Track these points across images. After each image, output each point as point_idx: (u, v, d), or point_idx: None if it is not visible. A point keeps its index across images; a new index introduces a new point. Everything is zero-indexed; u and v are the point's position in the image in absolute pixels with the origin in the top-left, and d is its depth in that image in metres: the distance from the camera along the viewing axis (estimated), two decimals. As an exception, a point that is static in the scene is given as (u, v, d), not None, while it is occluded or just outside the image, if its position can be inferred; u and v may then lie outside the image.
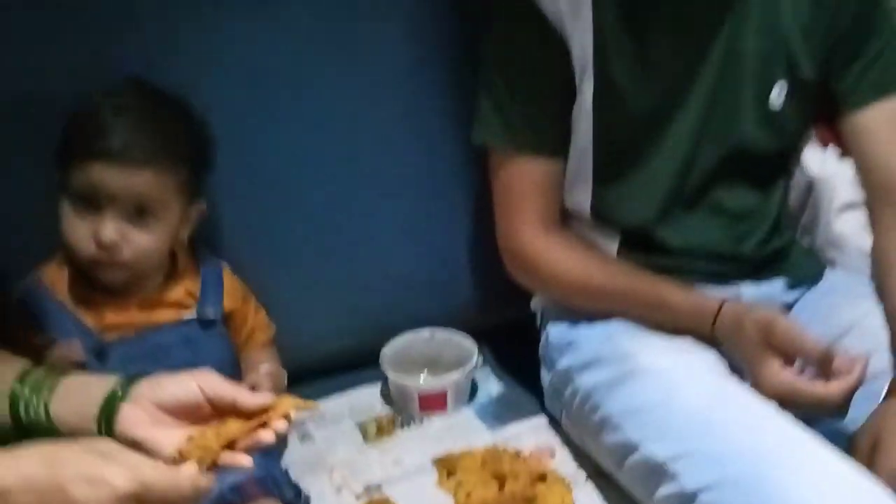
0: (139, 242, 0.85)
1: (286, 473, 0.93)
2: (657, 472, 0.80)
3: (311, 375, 1.06)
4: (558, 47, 0.91)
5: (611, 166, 0.96)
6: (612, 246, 0.99)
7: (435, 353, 1.10)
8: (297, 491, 0.90)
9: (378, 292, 1.12)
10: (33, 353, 0.81)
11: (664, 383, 0.85)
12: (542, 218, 0.97)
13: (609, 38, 0.90)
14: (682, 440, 0.80)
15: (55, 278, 0.88)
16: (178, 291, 0.92)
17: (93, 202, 0.83)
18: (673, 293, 0.92)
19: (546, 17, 0.90)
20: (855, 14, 0.93)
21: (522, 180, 0.97)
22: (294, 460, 0.97)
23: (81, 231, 0.83)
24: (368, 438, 1.03)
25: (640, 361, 0.88)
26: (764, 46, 0.92)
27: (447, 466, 0.96)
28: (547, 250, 0.97)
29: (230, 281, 0.97)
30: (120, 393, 0.69)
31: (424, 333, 1.11)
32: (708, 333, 0.90)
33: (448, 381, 1.05)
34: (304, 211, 1.07)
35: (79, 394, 0.71)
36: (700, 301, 0.91)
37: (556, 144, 0.96)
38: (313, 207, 1.07)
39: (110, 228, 0.82)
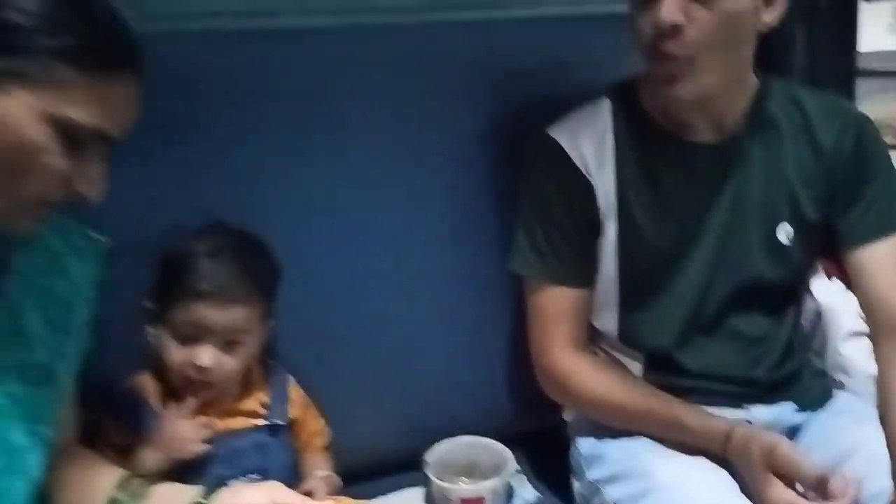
0: (229, 366, 0.99)
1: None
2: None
3: (358, 478, 1.15)
4: (585, 193, 1.05)
5: (635, 295, 1.08)
6: (637, 367, 1.10)
7: (474, 459, 1.20)
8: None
9: (422, 401, 1.23)
10: (115, 449, 0.96)
11: (681, 498, 0.94)
12: (572, 339, 1.09)
13: (630, 187, 1.05)
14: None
15: (148, 388, 1.02)
16: (251, 402, 1.05)
17: (192, 334, 0.97)
18: (688, 416, 1.03)
19: (575, 168, 1.05)
20: (852, 162, 1.05)
21: (554, 306, 1.09)
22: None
23: (180, 357, 0.97)
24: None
25: (660, 477, 0.98)
26: (768, 193, 1.05)
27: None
28: (575, 370, 1.08)
29: (295, 391, 1.09)
30: (203, 501, 0.81)
31: (464, 440, 1.21)
32: (720, 454, 0.99)
33: (486, 487, 1.14)
34: (354, 328, 1.20)
35: (168, 501, 0.84)
36: (712, 424, 1.01)
37: (584, 276, 1.09)
38: (362, 324, 1.20)
39: (207, 357, 0.96)
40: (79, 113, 0.69)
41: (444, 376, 1.24)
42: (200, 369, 0.97)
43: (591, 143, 1.05)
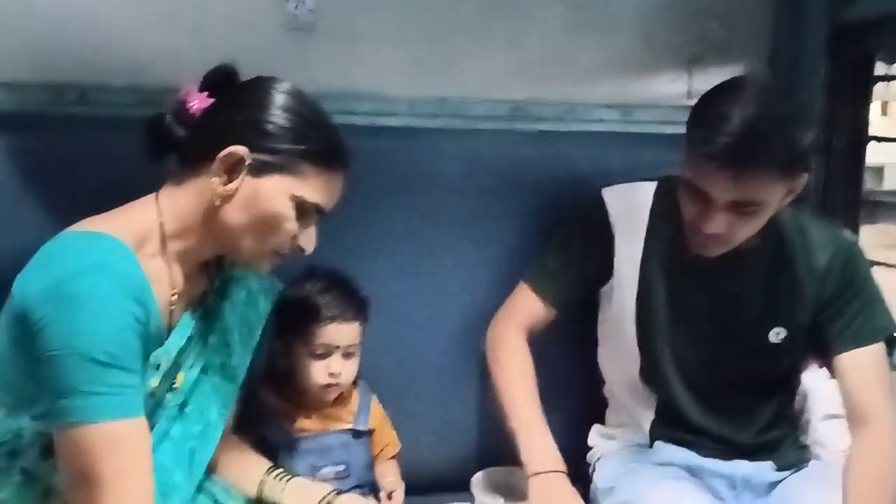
0: (350, 371, 1.32)
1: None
2: None
3: (413, 491, 1.41)
4: (606, 244, 1.33)
5: (650, 344, 1.34)
6: (649, 416, 1.37)
7: (514, 485, 1.40)
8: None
9: (475, 431, 1.52)
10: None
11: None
12: (523, 329, 1.38)
13: (653, 255, 1.32)
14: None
15: (264, 396, 1.33)
16: (342, 411, 1.36)
17: (323, 351, 1.29)
18: (522, 437, 1.28)
19: (607, 222, 1.33)
20: (840, 282, 1.30)
21: (529, 309, 1.38)
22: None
23: (317, 370, 1.29)
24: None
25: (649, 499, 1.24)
26: (766, 300, 1.31)
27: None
28: (507, 339, 1.37)
29: (375, 406, 1.40)
30: (330, 499, 1.15)
31: (508, 469, 1.42)
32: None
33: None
34: (427, 364, 1.50)
35: (304, 491, 1.18)
36: (541, 455, 1.26)
37: (565, 304, 1.38)
38: (434, 360, 1.50)
39: (338, 365, 1.29)
40: (311, 195, 1.03)
41: (496, 413, 1.46)
42: (334, 375, 1.28)
43: (629, 209, 1.32)
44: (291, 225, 1.02)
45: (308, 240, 1.06)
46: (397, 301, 1.47)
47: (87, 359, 0.87)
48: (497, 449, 1.44)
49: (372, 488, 1.38)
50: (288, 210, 1.02)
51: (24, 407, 0.95)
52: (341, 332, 1.28)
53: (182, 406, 1.07)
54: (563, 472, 1.25)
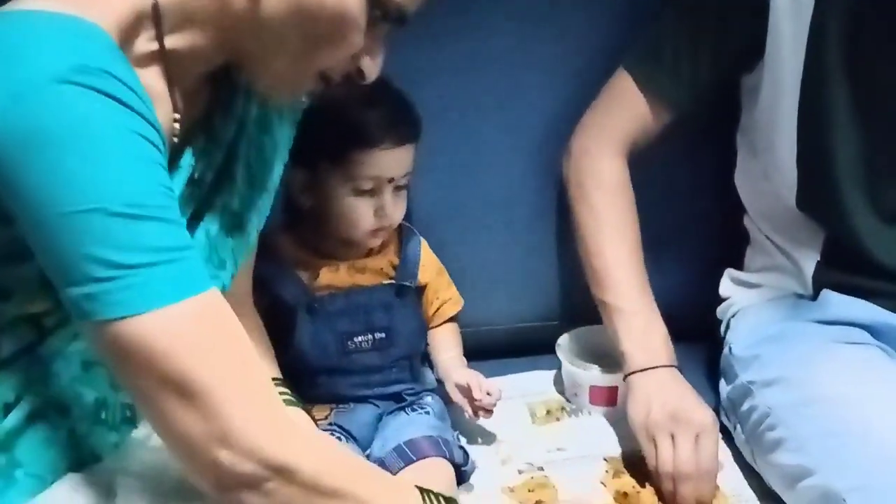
0: (401, 210, 0.99)
1: (457, 437, 1.00)
2: (831, 501, 0.79)
3: (489, 354, 1.12)
4: (755, 17, 0.92)
5: (813, 159, 0.93)
6: (811, 261, 0.97)
7: (609, 350, 1.12)
8: (466, 455, 0.97)
9: (561, 284, 1.17)
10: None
11: (853, 414, 0.83)
12: (621, 143, 1.02)
13: (824, 49, 0.89)
14: (865, 474, 0.78)
15: (277, 244, 1.00)
16: (381, 260, 1.02)
17: (369, 185, 0.94)
18: (634, 318, 0.98)
19: None
20: None
21: (633, 109, 1.02)
22: (465, 429, 1.04)
23: (363, 209, 0.95)
24: (536, 420, 1.08)
25: (831, 388, 0.86)
26: None
27: (615, 465, 0.99)
28: (600, 164, 1.02)
29: (427, 255, 1.05)
30: None
31: (601, 329, 1.13)
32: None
33: (621, 377, 1.06)
34: (498, 206, 1.15)
35: None
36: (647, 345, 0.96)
37: (687, 102, 1.01)
38: (506, 202, 1.15)
39: (390, 203, 0.96)
40: None
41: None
42: (383, 216, 0.96)
43: None
44: (356, 35, 0.66)
45: (373, 61, 0.71)
46: (452, 117, 1.10)
47: (97, 214, 0.55)
48: (587, 304, 1.11)
49: (424, 359, 1.07)
50: (358, 9, 0.64)
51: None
52: (395, 160, 0.94)
53: None
54: (675, 368, 0.96)
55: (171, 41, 0.67)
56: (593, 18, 1.12)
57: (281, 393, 0.88)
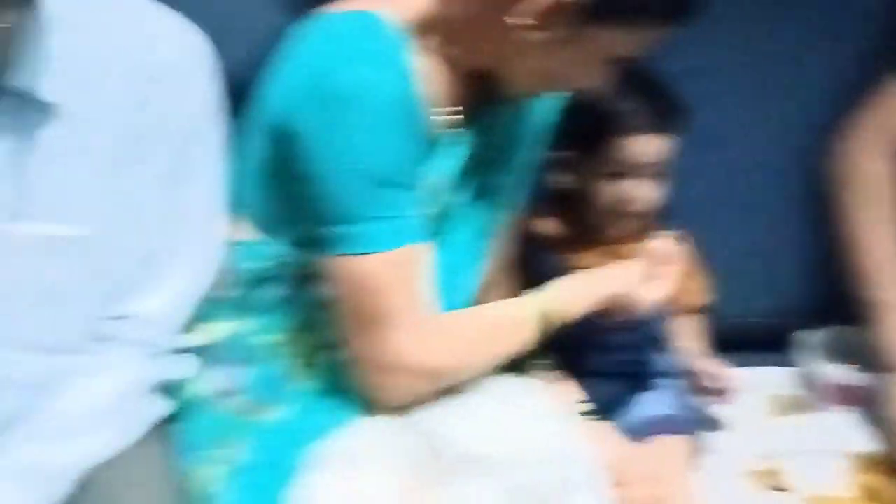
0: (654, 197, 1.03)
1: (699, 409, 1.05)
2: None
3: (732, 347, 1.15)
4: None
5: None
6: None
7: (853, 350, 1.12)
8: (712, 421, 1.01)
9: (806, 280, 1.19)
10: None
11: None
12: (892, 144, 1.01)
13: None
14: None
15: (537, 225, 1.09)
16: (636, 247, 1.06)
17: (621, 171, 1.01)
18: None
19: None
20: None
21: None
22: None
23: (618, 193, 1.02)
24: (775, 413, 1.11)
25: None
26: None
27: (861, 461, 0.99)
28: (870, 166, 1.01)
29: (680, 246, 1.10)
30: None
31: (847, 330, 1.13)
32: None
33: (864, 378, 1.07)
34: (746, 193, 1.18)
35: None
36: None
37: None
38: (757, 188, 1.18)
39: (638, 189, 1.01)
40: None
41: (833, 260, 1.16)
42: (631, 201, 1.01)
43: None
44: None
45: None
46: (712, 111, 1.12)
47: (359, 176, 0.72)
48: (832, 304, 1.14)
49: (668, 344, 1.11)
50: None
51: (280, 232, 0.83)
52: (647, 148, 1.00)
53: (435, 235, 0.88)
54: None
55: (446, 43, 0.79)
56: (853, 17, 1.13)
57: (536, 362, 0.99)
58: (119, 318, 0.80)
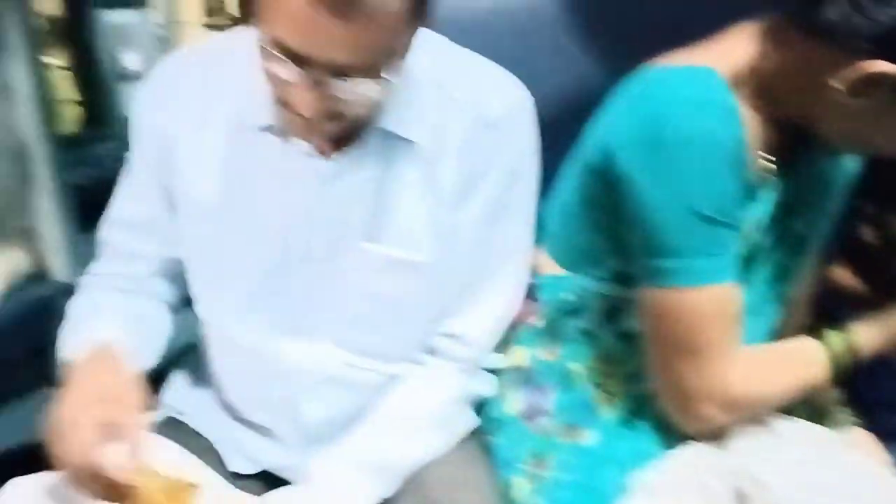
0: None
1: None
2: None
3: None
4: None
5: None
6: None
7: None
8: None
9: None
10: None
11: None
12: None
13: None
14: None
15: (841, 273, 1.07)
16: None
17: None
18: None
19: None
20: None
21: None
22: None
23: None
24: None
25: None
26: None
27: None
28: None
29: None
30: None
31: None
32: None
33: None
34: None
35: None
36: None
37: None
38: None
39: None
40: None
41: None
42: None
43: None
44: None
45: None
46: None
47: (690, 213, 0.77)
48: None
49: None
50: None
51: (588, 266, 0.90)
52: None
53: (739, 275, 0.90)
54: None
55: (757, 94, 0.82)
56: None
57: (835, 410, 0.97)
58: (445, 335, 0.90)
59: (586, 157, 0.87)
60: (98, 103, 3.99)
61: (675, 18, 0.96)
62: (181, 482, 0.74)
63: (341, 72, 0.71)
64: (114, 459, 0.71)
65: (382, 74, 0.73)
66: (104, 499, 0.73)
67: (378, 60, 0.72)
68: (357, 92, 0.72)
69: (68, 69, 3.84)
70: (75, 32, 3.93)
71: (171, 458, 0.84)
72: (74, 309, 0.90)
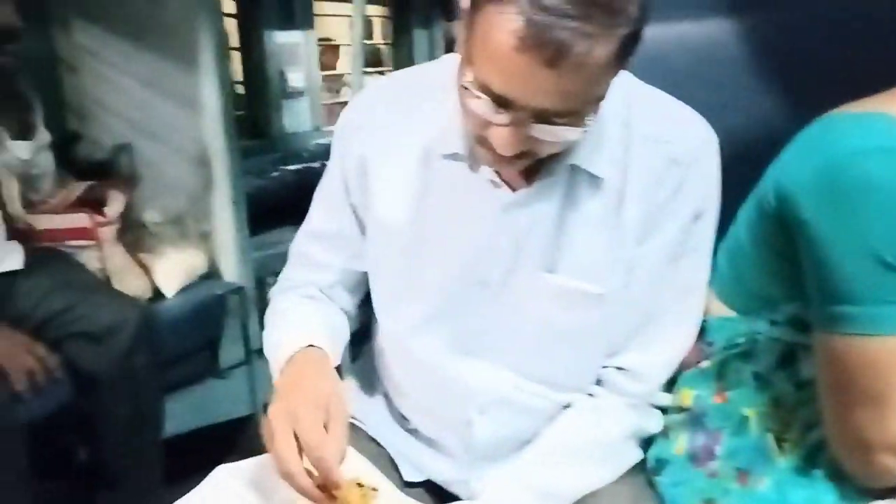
0: None
1: None
2: None
3: None
4: None
5: None
6: None
7: None
8: None
9: None
10: None
11: None
12: None
13: None
14: None
15: None
16: None
17: None
18: None
19: None
20: None
21: None
22: None
23: None
24: None
25: None
26: None
27: None
28: None
29: None
30: None
31: None
32: None
33: None
34: None
35: None
36: None
37: None
38: None
39: None
40: None
41: None
42: None
43: None
44: None
45: None
46: None
47: (873, 260, 0.75)
48: None
49: None
50: None
51: (762, 310, 0.89)
52: None
53: None
54: None
55: None
56: None
57: None
58: (618, 368, 0.91)
59: (762, 200, 0.86)
60: (263, 117, 4.29)
61: (864, 63, 0.93)
62: (367, 486, 0.79)
63: (545, 117, 0.73)
64: (335, 458, 0.77)
65: (585, 120, 0.75)
66: (308, 493, 0.78)
67: (583, 107, 0.74)
68: (558, 135, 0.75)
69: (241, 84, 4.15)
70: (247, 51, 4.25)
71: (353, 463, 0.89)
72: (277, 312, 0.98)
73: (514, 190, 0.87)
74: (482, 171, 0.87)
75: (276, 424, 0.79)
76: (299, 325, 0.93)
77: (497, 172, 0.86)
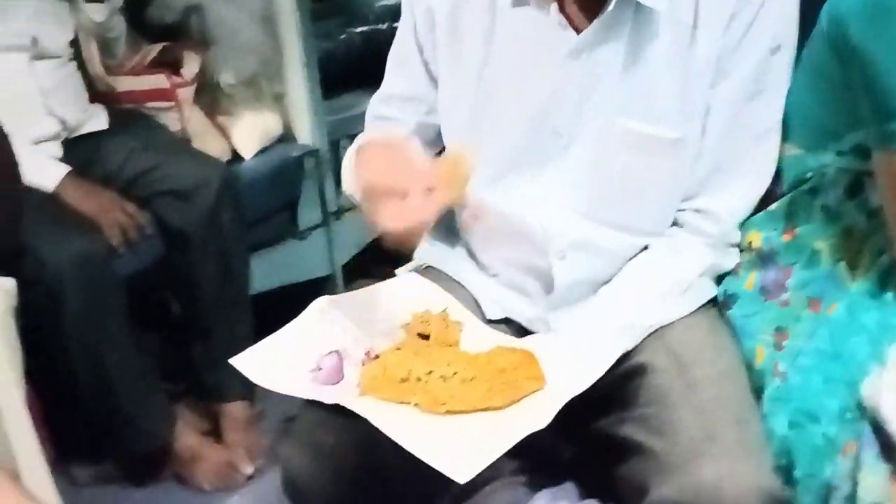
0: None
1: None
2: None
3: None
4: None
5: None
6: None
7: None
8: None
9: None
10: None
11: None
12: None
13: None
14: None
15: None
16: None
17: None
18: None
19: None
20: None
21: None
22: None
23: None
24: None
25: None
26: None
27: None
28: None
29: None
30: None
31: None
32: None
33: None
34: None
35: None
36: None
37: None
38: None
39: None
40: None
41: None
42: None
43: None
44: None
45: None
46: None
47: None
48: None
49: None
50: None
51: (827, 143, 0.87)
52: None
53: None
54: None
55: None
56: None
57: None
58: (695, 210, 0.90)
59: (819, 30, 0.83)
60: (329, -20, 4.16)
61: None
62: (453, 320, 0.83)
63: None
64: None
65: None
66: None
67: None
68: None
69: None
70: None
71: (440, 298, 0.93)
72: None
73: (579, 34, 0.85)
74: (551, 14, 0.85)
75: (368, 192, 0.78)
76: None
77: (563, 13, 0.85)
